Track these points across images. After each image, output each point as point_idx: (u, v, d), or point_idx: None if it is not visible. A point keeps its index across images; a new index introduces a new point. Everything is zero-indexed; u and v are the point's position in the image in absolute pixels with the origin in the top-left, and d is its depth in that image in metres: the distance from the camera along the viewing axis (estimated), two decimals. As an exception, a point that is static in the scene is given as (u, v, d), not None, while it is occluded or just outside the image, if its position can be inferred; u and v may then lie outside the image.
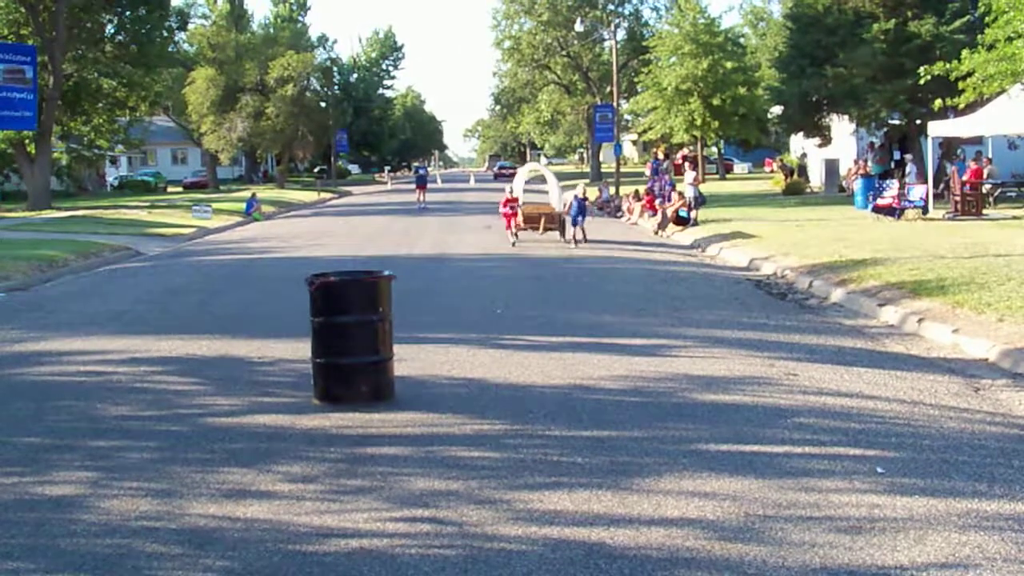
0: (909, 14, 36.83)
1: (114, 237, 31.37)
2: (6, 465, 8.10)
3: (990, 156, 34.85)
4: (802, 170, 55.23)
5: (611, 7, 79.86)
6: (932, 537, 6.18)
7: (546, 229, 28.35)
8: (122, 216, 41.62)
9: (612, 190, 46.12)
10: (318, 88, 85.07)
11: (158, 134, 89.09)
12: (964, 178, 30.98)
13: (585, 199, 28.27)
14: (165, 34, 55.86)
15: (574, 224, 27.24)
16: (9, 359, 12.66)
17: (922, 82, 27.25)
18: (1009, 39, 23.49)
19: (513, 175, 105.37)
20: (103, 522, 6.76)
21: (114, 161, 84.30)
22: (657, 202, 33.14)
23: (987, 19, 24.74)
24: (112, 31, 53.79)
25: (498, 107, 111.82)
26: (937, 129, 31.26)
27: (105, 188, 76.83)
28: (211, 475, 7.70)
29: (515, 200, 28.49)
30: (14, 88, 28.02)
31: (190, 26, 69.03)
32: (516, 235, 27.86)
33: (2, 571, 6.00)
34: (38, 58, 39.17)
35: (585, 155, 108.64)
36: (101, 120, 54.43)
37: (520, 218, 28.25)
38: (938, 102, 27.08)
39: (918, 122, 37.23)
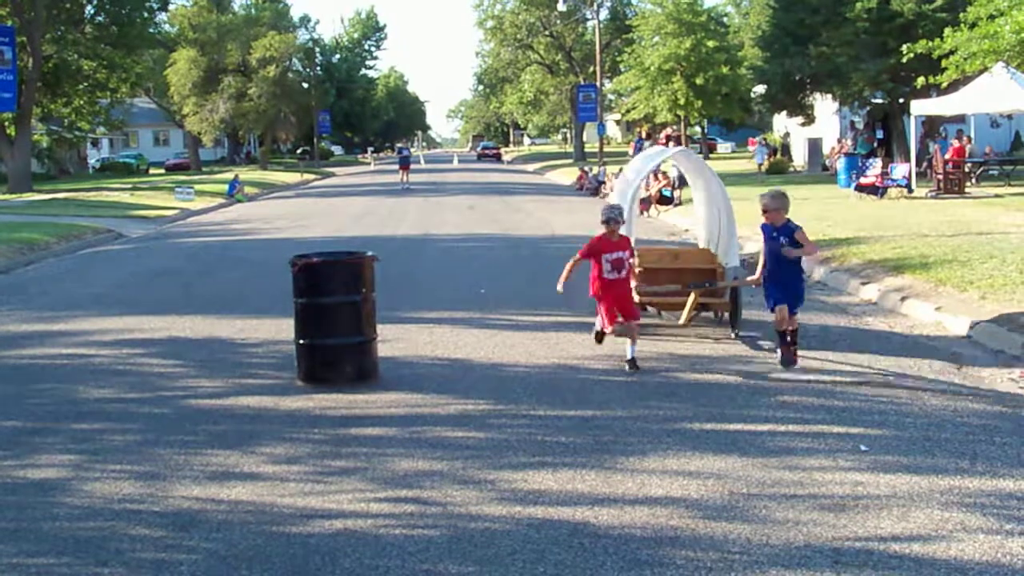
0: (892, -8, 36.86)
1: (96, 219, 31.21)
2: (-12, 448, 8.07)
3: (971, 135, 34.92)
4: (785, 149, 55.30)
5: (594, -14, 79.72)
6: (915, 514, 6.20)
7: (699, 307, 12.40)
8: (104, 198, 41.42)
9: (596, 170, 46.04)
10: (300, 69, 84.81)
11: (140, 116, 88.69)
12: (947, 156, 31.05)
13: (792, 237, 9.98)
14: (146, 15, 55.50)
15: (775, 301, 10.20)
16: (-10, 342, 12.61)
17: (905, 60, 27.30)
18: (991, 17, 23.53)
19: (497, 155, 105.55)
20: (86, 505, 6.74)
21: (95, 143, 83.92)
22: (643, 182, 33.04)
23: (969, -3, 24.80)
24: (92, 12, 53.44)
25: (481, 87, 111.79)
26: (920, 108, 31.30)
27: (87, 170, 76.45)
28: (195, 457, 7.68)
29: (624, 245, 10.59)
30: (-7, 69, 27.85)
31: (171, 7, 68.54)
32: (632, 327, 10.48)
33: (-16, 555, 5.98)
34: (17, 39, 38.92)
35: (568, 135, 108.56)
36: (82, 102, 54.13)
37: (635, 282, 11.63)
38: (920, 80, 27.14)
39: (901, 101, 37.28)
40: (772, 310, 10.17)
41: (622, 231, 10.81)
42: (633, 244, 11.59)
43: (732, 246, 12.76)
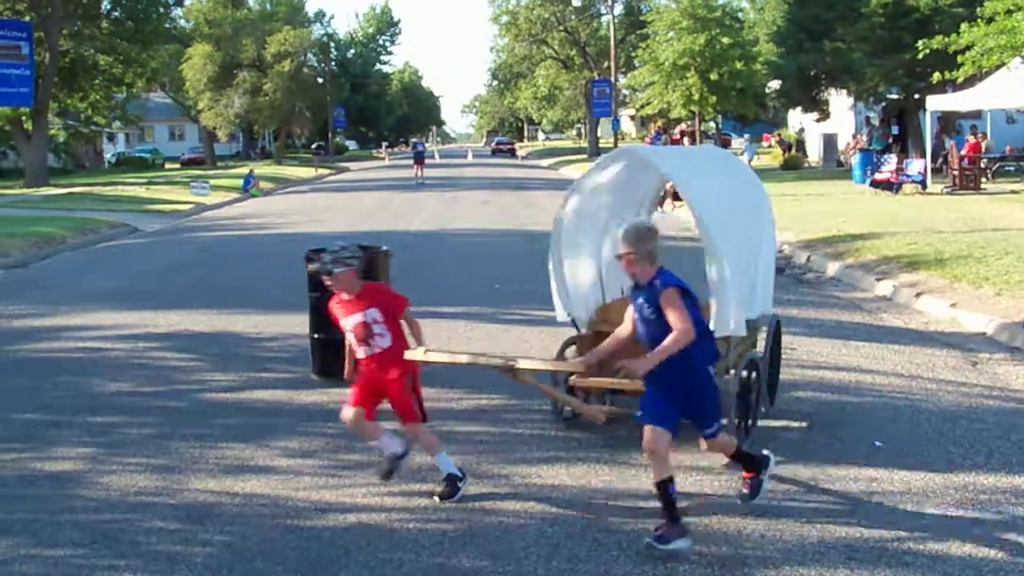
0: (908, -13, 36.68)
1: (112, 214, 31.28)
2: (5, 441, 8.12)
3: (986, 131, 34.77)
4: (800, 145, 55.17)
5: (609, -19, 79.59)
6: (930, 510, 6.19)
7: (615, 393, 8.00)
8: (119, 193, 41.50)
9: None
10: (315, 64, 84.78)
11: (155, 110, 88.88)
12: (962, 152, 30.93)
13: (657, 304, 6.00)
14: (161, 10, 55.55)
15: (646, 415, 6.00)
16: (7, 335, 12.67)
17: (920, 56, 27.12)
18: (1008, 12, 23.36)
19: (511, 150, 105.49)
20: (102, 498, 6.78)
21: (111, 138, 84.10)
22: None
23: (986, -8, 24.61)
24: (108, 7, 53.53)
25: (495, 82, 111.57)
26: (935, 103, 31.16)
27: (102, 165, 76.64)
28: (209, 451, 7.71)
29: (363, 304, 6.80)
30: (10, 64, 27.90)
31: (186, 2, 68.56)
32: (418, 432, 6.99)
33: (2, 547, 6.01)
34: (34, 34, 38.99)
35: (583, 130, 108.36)
36: (98, 96, 54.23)
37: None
38: (936, 76, 26.97)
39: (916, 96, 37.12)
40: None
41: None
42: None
43: (759, 291, 8.01)
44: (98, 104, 55.28)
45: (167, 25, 60.36)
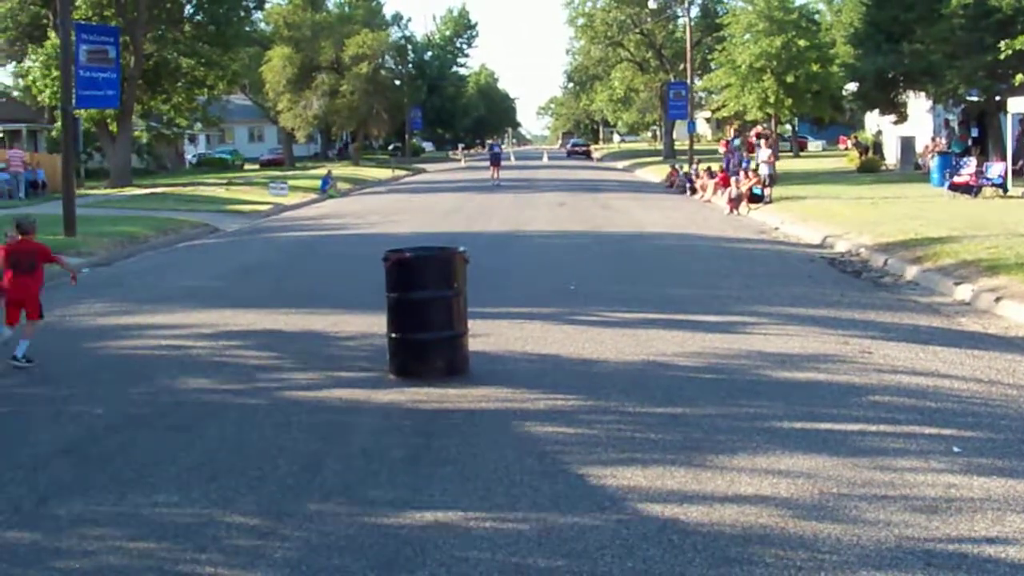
0: (990, -12, 36.06)
1: (193, 214, 31.80)
2: (89, 437, 8.30)
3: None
4: (877, 147, 54.51)
5: (685, -17, 79.18)
6: (1011, 517, 6.11)
7: None
8: (200, 193, 42.12)
9: (687, 168, 45.68)
10: (392, 66, 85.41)
11: (235, 112, 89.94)
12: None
13: None
14: (242, 14, 56.32)
15: None
16: (92, 333, 12.93)
17: (1002, 57, 26.74)
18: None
19: (587, 152, 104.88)
20: (184, 493, 6.90)
21: (192, 139, 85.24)
22: (733, 180, 32.73)
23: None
24: (191, 11, 54.41)
25: (571, 84, 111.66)
26: (1017, 105, 30.64)
27: (184, 165, 77.65)
28: (289, 447, 7.82)
29: None
30: (98, 68, 28.39)
31: (267, 5, 69.32)
32: None
33: (89, 537, 6.16)
34: (120, 38, 39.69)
35: (658, 132, 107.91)
36: (180, 99, 55.06)
37: None
38: (1019, 77, 26.56)
39: (997, 98, 36.53)
40: None
41: None
42: None
43: None
44: (180, 106, 56.12)
45: (248, 28, 61.20)
